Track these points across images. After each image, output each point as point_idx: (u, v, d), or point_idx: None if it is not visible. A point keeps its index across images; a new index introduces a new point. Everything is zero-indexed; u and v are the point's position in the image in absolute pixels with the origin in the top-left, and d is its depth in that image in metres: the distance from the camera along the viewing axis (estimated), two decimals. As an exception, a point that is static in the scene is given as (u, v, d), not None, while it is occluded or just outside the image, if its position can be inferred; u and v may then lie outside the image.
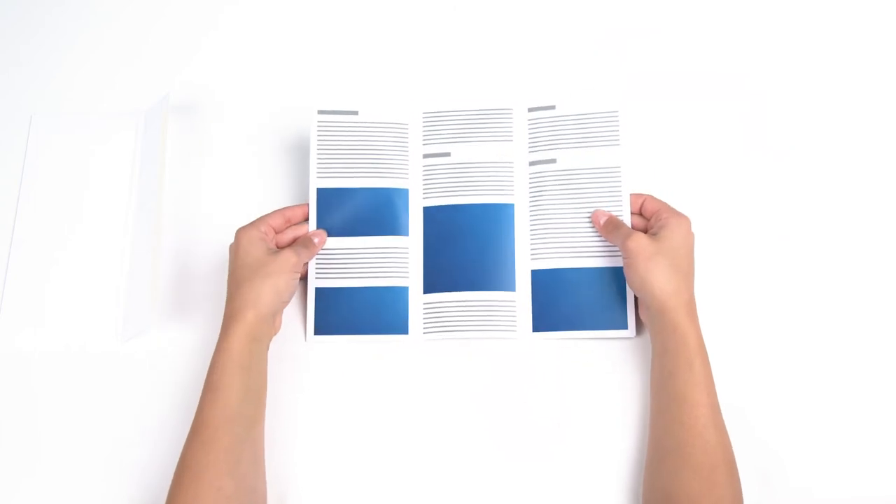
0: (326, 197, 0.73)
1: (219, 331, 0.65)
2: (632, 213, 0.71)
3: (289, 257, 0.67)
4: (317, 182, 0.74)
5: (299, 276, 0.69)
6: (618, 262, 0.71)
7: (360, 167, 0.74)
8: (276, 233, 0.71)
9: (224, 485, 0.60)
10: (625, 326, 0.70)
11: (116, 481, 0.68)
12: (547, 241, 0.72)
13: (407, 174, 0.75)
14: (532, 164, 0.74)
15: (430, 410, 0.70)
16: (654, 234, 0.67)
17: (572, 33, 0.83)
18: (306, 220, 0.73)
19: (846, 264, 0.73)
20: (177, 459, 0.62)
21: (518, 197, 0.74)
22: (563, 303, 0.71)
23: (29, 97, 0.82)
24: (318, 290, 0.73)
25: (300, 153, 0.78)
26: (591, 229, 0.72)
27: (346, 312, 0.72)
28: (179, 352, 0.72)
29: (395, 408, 0.70)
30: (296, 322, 0.73)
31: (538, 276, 0.72)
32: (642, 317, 0.70)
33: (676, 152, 0.77)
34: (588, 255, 0.72)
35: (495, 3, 0.84)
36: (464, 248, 0.73)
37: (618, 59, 0.81)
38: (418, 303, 0.73)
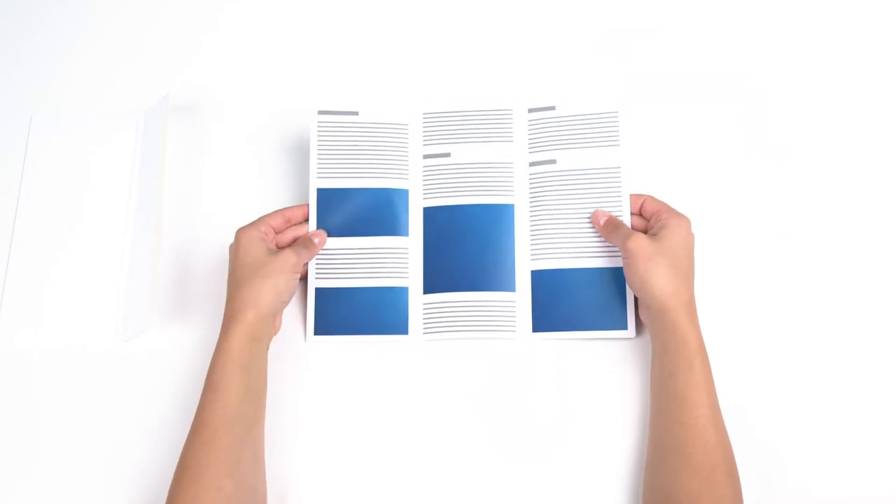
0: (326, 197, 0.73)
1: (219, 331, 0.65)
2: (632, 214, 0.71)
3: (289, 257, 0.67)
4: (317, 182, 0.74)
5: (299, 276, 0.69)
6: (618, 263, 0.71)
7: (361, 167, 0.74)
8: (276, 233, 0.71)
9: (224, 485, 0.60)
10: (625, 327, 0.70)
11: (116, 481, 0.68)
12: (547, 241, 0.72)
13: (407, 174, 0.75)
14: (532, 164, 0.74)
15: (430, 410, 0.70)
16: (654, 235, 0.67)
17: (572, 33, 0.83)
18: (306, 220, 0.73)
19: (846, 264, 0.73)
20: (177, 459, 0.62)
21: (518, 197, 0.74)
22: (563, 303, 0.71)
23: (29, 97, 0.82)
24: (318, 290, 0.73)
25: (300, 153, 0.78)
26: (591, 230, 0.72)
27: (346, 312, 0.72)
28: (179, 352, 0.72)
29: (395, 408, 0.70)
30: (296, 322, 0.73)
31: (538, 277, 0.72)
32: (642, 317, 0.70)
33: (676, 152, 0.77)
34: (588, 255, 0.72)
35: (495, 4, 0.84)
36: (464, 249, 0.73)
37: (618, 59, 0.81)
38: (418, 303, 0.73)
